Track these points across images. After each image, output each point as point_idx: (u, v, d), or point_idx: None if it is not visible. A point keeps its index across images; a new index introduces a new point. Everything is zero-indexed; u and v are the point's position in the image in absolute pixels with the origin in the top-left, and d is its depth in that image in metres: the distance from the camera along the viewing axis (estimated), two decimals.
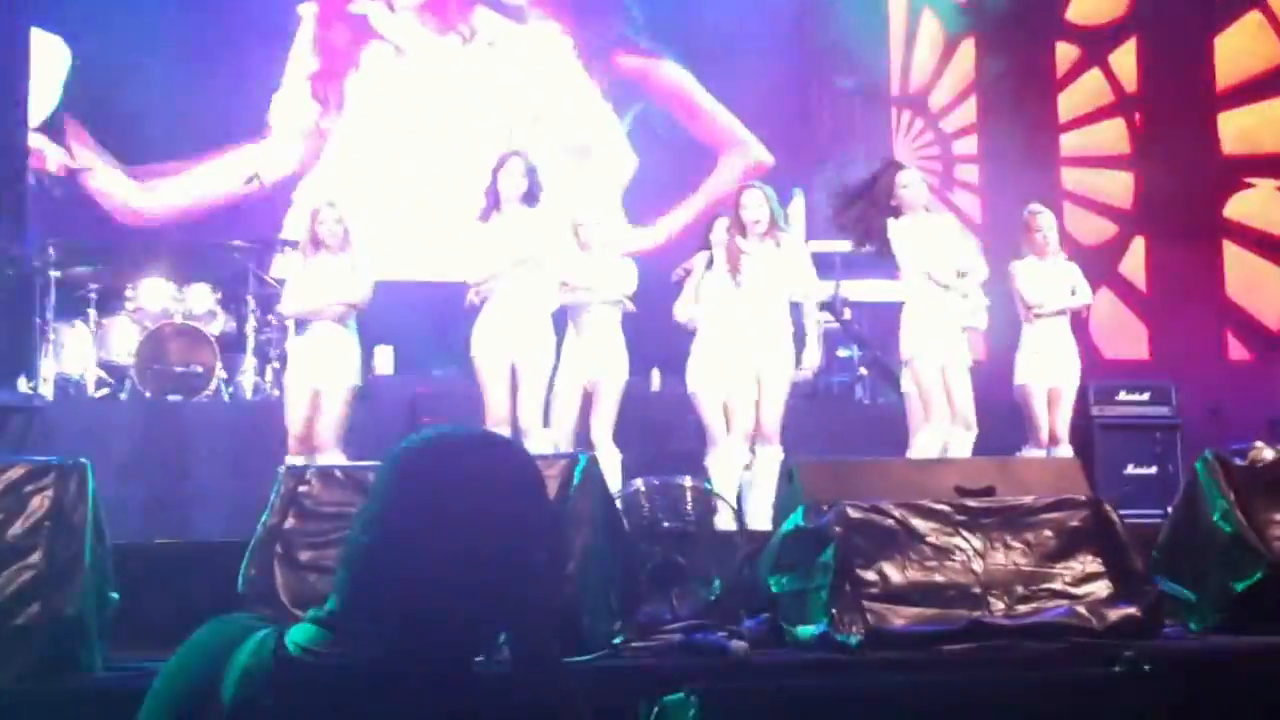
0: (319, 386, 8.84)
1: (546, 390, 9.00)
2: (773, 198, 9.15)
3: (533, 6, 14.32)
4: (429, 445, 2.43)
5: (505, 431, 8.55)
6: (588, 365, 9.20)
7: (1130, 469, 10.73)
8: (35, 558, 5.39)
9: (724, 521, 8.20)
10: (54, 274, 11.19)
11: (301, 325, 9.23)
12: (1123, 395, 11.09)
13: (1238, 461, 6.66)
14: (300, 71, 13.83)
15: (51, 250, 11.31)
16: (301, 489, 6.47)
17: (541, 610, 2.41)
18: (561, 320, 9.15)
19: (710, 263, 9.20)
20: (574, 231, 9.45)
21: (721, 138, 14.35)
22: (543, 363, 8.92)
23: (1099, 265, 13.08)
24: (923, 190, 9.26)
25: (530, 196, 8.92)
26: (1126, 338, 14.12)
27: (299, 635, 2.30)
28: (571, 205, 9.99)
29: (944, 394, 8.92)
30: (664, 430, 10.66)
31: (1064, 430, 9.60)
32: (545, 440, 8.77)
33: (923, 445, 8.88)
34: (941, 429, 8.86)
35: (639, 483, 8.28)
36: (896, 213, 9.06)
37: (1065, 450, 9.39)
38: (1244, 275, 14.44)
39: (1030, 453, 9.34)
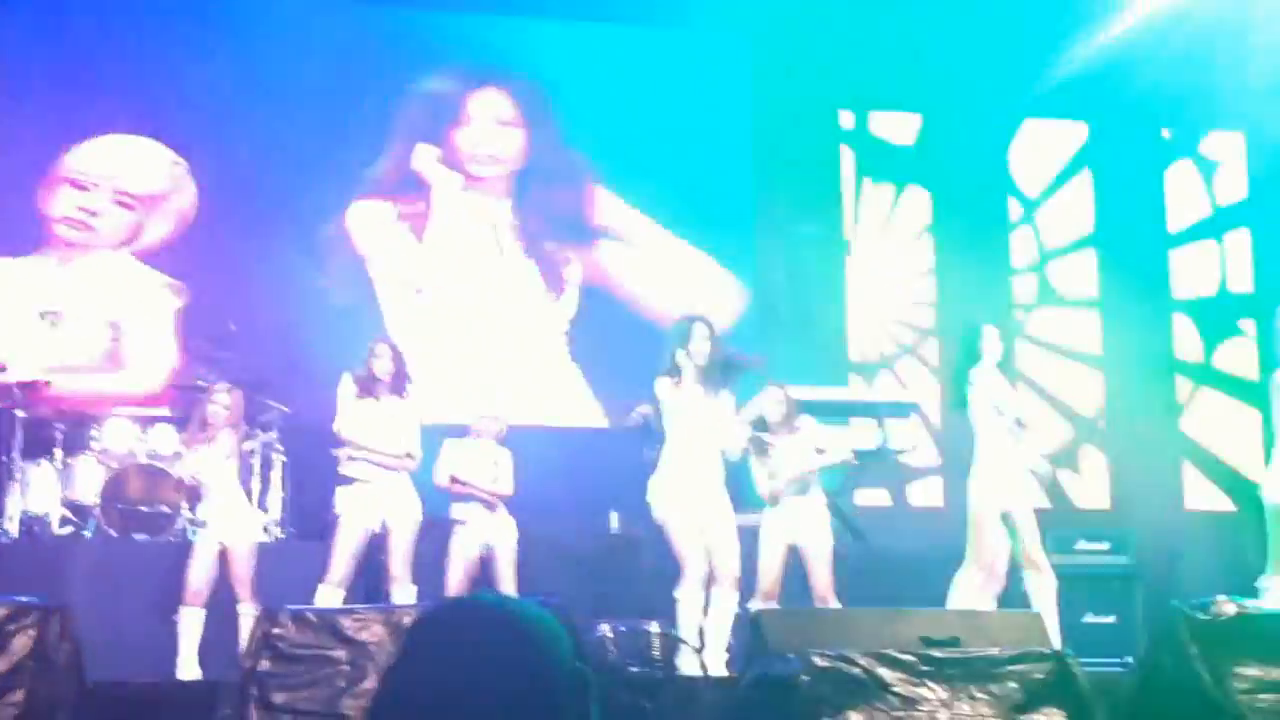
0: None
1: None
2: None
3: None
4: (439, 609, 2.51)
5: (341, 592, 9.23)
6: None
7: (1088, 618, 10.75)
8: (17, 696, 5.43)
9: (689, 667, 8.29)
10: (19, 413, 11.24)
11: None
12: (1081, 544, 11.12)
13: (1200, 615, 6.75)
14: None
15: (16, 390, 11.38)
16: (276, 631, 6.51)
17: None
18: None
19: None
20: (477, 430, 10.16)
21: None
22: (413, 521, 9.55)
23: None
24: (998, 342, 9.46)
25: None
26: (1086, 485, 14.33)
27: None
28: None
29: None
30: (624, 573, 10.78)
31: None
32: (411, 593, 9.33)
33: (962, 583, 9.03)
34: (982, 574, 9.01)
35: (605, 627, 8.36)
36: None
37: None
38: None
39: None
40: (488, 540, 9.84)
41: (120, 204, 13.57)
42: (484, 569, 9.77)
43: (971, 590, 9.00)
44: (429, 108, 14.25)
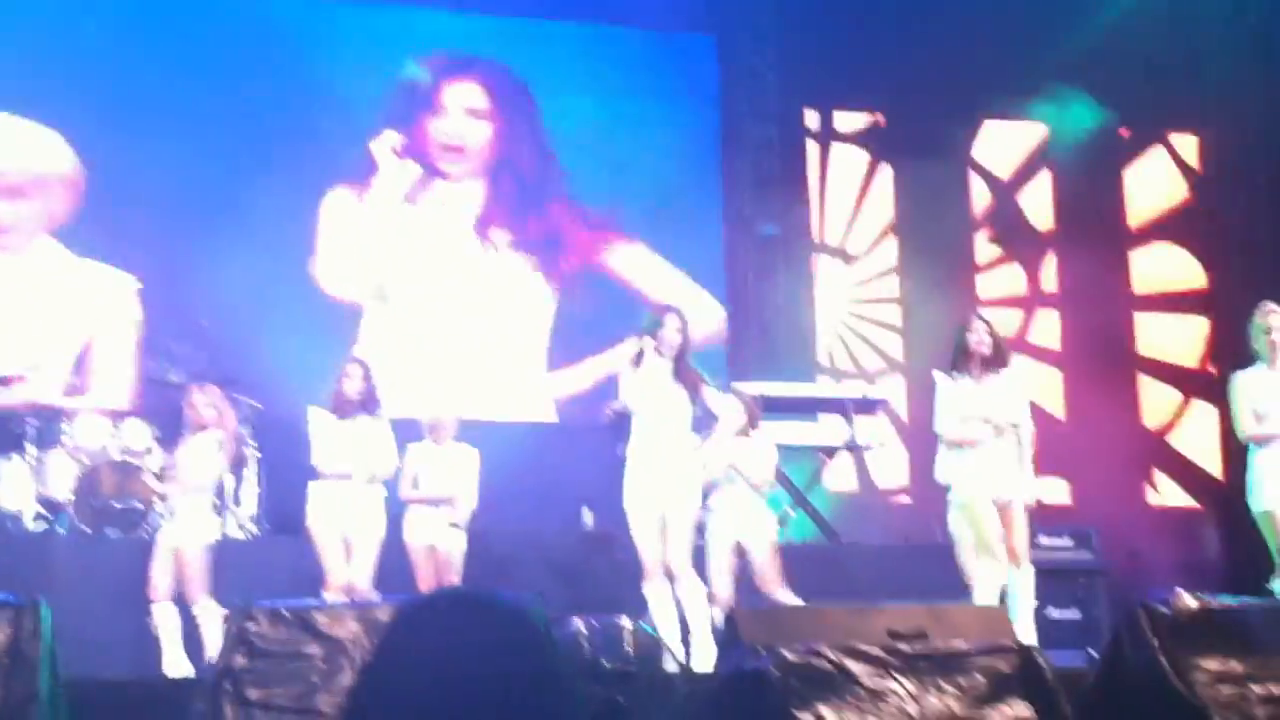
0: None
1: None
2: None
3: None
4: (425, 601, 2.56)
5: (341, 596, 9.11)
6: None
7: (1052, 613, 10.78)
8: None
9: (665, 662, 8.33)
10: None
11: None
12: (1044, 539, 11.15)
13: (1162, 609, 6.83)
14: None
15: None
16: (249, 627, 6.55)
17: None
18: None
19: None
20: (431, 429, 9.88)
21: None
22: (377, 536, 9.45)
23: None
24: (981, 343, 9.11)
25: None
26: (1049, 482, 14.42)
27: None
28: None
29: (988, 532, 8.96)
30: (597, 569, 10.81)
31: None
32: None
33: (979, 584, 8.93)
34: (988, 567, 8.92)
35: (578, 622, 8.40)
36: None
37: None
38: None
39: None
40: (435, 541, 9.67)
41: (12, 194, 13.41)
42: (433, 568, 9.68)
43: (993, 582, 8.88)
44: (401, 98, 14.30)
